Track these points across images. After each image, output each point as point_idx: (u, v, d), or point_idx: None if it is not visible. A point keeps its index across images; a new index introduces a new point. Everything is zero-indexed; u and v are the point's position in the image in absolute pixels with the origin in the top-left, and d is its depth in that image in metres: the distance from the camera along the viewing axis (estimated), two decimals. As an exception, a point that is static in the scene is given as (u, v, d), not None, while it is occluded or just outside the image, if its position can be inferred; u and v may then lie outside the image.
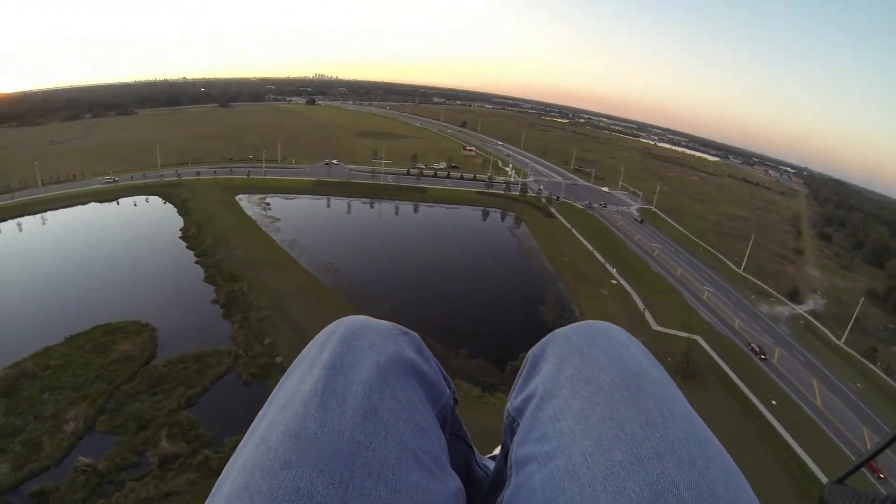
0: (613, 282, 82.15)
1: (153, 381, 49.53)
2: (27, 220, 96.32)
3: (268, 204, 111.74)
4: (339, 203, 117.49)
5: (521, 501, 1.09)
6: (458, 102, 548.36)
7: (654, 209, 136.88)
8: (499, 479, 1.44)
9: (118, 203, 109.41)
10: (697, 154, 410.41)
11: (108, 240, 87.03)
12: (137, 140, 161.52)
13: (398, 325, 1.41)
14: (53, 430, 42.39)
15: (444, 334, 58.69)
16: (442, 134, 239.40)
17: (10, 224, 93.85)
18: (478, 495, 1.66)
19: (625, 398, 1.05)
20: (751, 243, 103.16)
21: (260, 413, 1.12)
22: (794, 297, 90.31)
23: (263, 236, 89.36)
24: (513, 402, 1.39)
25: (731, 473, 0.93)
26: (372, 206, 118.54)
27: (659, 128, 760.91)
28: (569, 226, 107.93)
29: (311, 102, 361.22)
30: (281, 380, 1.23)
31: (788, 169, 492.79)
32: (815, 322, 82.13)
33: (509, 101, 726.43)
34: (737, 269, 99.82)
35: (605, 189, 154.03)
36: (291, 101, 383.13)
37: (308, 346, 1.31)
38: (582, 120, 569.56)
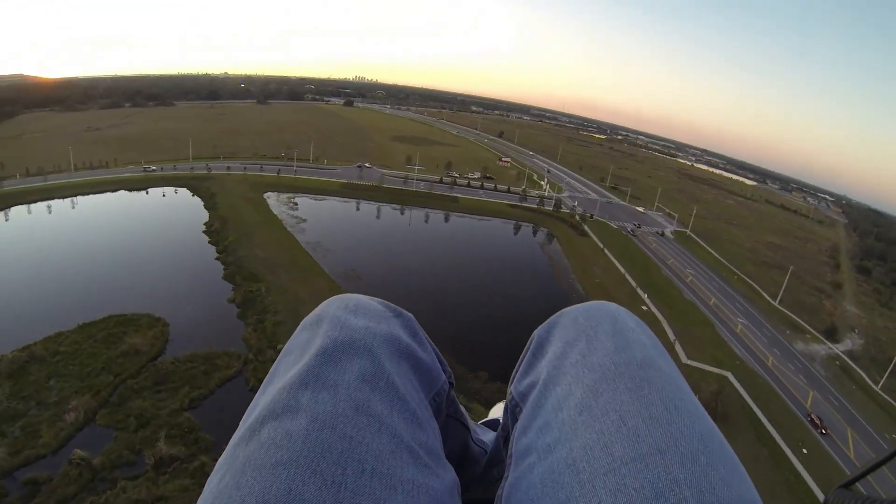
0: (644, 308, 79.04)
1: (159, 377, 48.51)
2: (57, 203, 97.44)
3: (296, 204, 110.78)
4: (368, 207, 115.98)
5: (520, 494, 1.06)
6: (497, 112, 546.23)
7: (689, 232, 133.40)
8: (496, 457, 1.43)
9: (147, 192, 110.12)
10: (735, 177, 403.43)
11: (133, 228, 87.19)
12: (173, 131, 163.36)
13: (392, 305, 1.39)
14: (54, 419, 41.70)
15: (463, 353, 56.37)
16: (478, 143, 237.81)
17: (41, 206, 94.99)
18: (474, 472, 1.66)
19: (629, 389, 1.03)
20: (788, 275, 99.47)
21: (253, 401, 1.10)
22: (831, 335, 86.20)
23: (287, 236, 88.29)
24: (517, 386, 1.36)
25: (735, 472, 0.90)
26: (402, 213, 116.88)
27: (697, 148, 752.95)
28: (601, 245, 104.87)
29: (349, 104, 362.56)
30: (273, 366, 1.20)
31: (827, 197, 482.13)
32: (852, 364, 78.11)
33: (548, 114, 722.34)
34: (772, 302, 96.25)
35: (640, 209, 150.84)
36: (329, 101, 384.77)
37: (299, 328, 1.28)
38: (620, 137, 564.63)
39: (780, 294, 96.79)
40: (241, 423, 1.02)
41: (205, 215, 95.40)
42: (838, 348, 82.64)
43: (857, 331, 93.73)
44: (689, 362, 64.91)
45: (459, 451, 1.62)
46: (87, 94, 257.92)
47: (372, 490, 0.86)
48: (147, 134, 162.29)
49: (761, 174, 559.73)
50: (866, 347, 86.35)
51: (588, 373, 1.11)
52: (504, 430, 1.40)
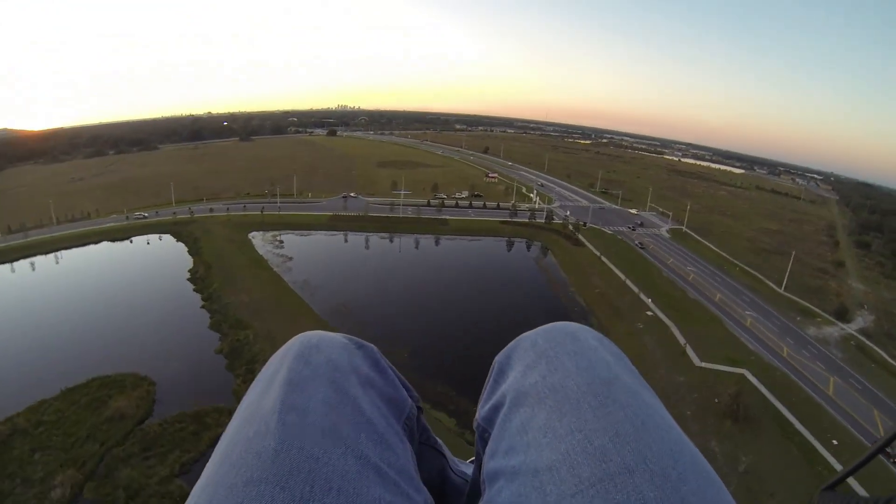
0: (649, 313, 76.87)
1: (147, 442, 46.26)
2: (40, 260, 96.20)
3: (281, 242, 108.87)
4: (356, 238, 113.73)
5: None
6: (481, 128, 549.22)
7: (685, 229, 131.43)
8: (475, 489, 1.42)
9: (131, 241, 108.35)
10: (723, 167, 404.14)
11: (115, 281, 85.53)
12: (156, 176, 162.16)
13: (354, 338, 1.41)
14: (40, 497, 39.66)
15: (464, 385, 55.09)
16: (464, 161, 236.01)
17: (24, 263, 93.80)
18: (457, 502, 1.64)
19: (593, 407, 1.02)
20: (791, 260, 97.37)
21: (224, 431, 1.11)
22: (842, 315, 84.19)
23: (274, 278, 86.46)
24: (481, 410, 1.36)
25: (709, 483, 0.89)
26: (391, 241, 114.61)
27: (682, 143, 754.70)
28: (598, 253, 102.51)
29: (332, 133, 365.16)
30: (242, 398, 1.23)
31: (815, 176, 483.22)
32: (867, 342, 76.32)
33: (531, 125, 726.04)
34: (778, 289, 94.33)
35: (633, 211, 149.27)
36: (313, 132, 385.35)
37: (266, 363, 1.31)
38: (605, 140, 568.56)
39: (785, 281, 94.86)
40: (214, 451, 1.05)
41: (189, 261, 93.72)
42: (851, 328, 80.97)
43: (866, 307, 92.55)
44: (702, 365, 62.75)
45: (438, 479, 1.62)
46: (71, 144, 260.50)
47: None
48: (131, 180, 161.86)
49: (748, 161, 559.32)
50: (878, 323, 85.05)
51: (550, 394, 1.10)
52: (478, 458, 1.38)
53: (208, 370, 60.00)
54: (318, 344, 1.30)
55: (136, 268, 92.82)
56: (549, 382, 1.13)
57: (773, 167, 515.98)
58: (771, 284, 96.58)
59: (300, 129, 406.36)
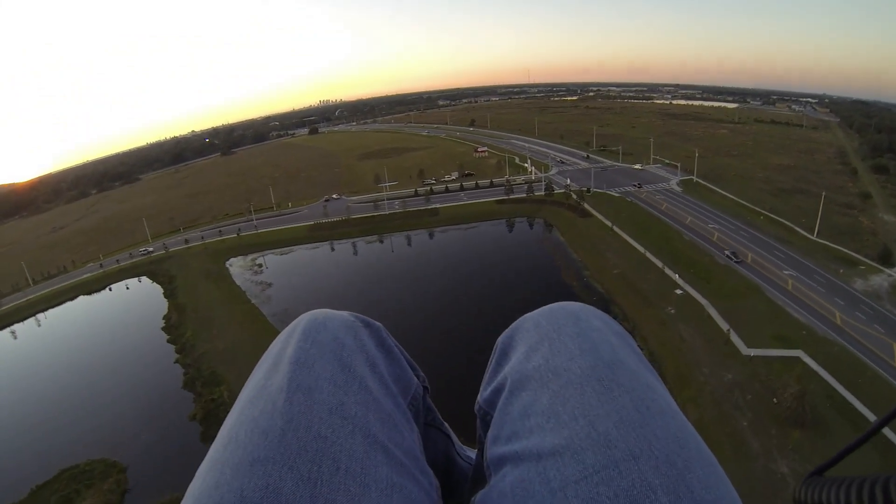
0: (678, 292, 67.11)
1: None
2: (20, 328, 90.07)
3: (260, 266, 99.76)
4: (343, 246, 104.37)
5: (492, 503, 1.05)
6: (465, 101, 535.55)
7: (696, 179, 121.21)
8: (478, 473, 1.38)
9: (110, 290, 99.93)
10: (716, 104, 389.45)
11: (88, 343, 77.97)
12: (135, 211, 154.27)
13: (360, 316, 1.41)
14: None
15: (469, 396, 45.83)
16: (451, 138, 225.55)
17: (5, 334, 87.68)
18: (461, 487, 1.63)
19: (597, 392, 1.00)
20: (821, 203, 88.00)
21: (230, 411, 1.11)
22: (886, 259, 74.92)
23: (251, 313, 77.86)
24: (483, 393, 1.36)
25: (713, 473, 0.88)
26: (381, 242, 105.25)
27: (670, 85, 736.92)
28: (609, 223, 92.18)
29: (314, 132, 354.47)
30: (249, 377, 1.24)
31: (810, 100, 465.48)
32: None
33: (515, 90, 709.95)
34: (810, 236, 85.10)
35: (637, 166, 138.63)
36: (294, 134, 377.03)
37: (272, 343, 1.31)
38: (591, 93, 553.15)
39: (817, 226, 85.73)
40: (219, 432, 1.04)
41: (164, 305, 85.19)
42: None
43: None
44: (751, 353, 53.28)
45: (444, 462, 1.63)
46: (55, 191, 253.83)
47: (346, 487, 0.87)
48: (110, 220, 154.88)
49: (740, 94, 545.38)
50: None
51: (553, 377, 1.09)
52: (479, 442, 1.37)
53: (182, 442, 51.90)
54: (324, 322, 1.29)
55: (111, 322, 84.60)
56: (552, 365, 1.11)
57: (765, 97, 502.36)
58: (802, 231, 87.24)
59: (282, 133, 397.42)
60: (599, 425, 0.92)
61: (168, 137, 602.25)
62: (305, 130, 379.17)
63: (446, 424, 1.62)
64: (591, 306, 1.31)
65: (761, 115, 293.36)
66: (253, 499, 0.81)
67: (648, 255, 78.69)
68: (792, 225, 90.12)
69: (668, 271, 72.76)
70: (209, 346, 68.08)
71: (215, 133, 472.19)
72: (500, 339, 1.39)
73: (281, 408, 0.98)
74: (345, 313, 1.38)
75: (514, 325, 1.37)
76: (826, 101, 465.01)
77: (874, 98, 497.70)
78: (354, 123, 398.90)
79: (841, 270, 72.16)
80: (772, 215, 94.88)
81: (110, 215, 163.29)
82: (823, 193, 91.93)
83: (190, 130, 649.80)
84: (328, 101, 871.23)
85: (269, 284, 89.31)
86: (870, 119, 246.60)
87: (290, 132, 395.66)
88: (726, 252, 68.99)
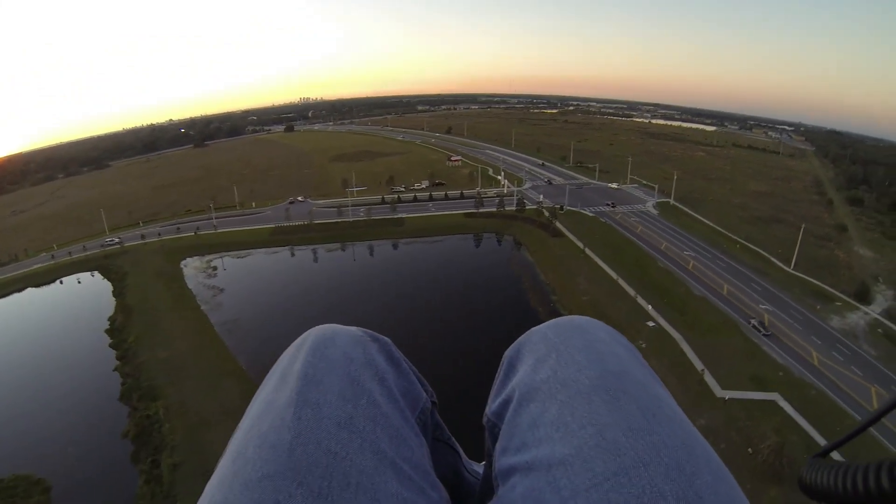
0: (651, 324, 63.36)
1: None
2: None
3: (214, 269, 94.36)
4: (303, 253, 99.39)
5: None
6: (444, 107, 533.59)
7: (672, 202, 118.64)
8: (487, 486, 1.40)
9: (62, 282, 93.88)
10: (694, 126, 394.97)
11: (29, 343, 71.97)
12: (100, 199, 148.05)
13: (368, 331, 1.41)
14: None
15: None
16: (426, 145, 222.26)
17: None
18: (469, 501, 1.65)
19: (605, 402, 1.01)
20: (800, 236, 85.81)
21: (239, 424, 1.11)
22: (862, 296, 73.99)
23: (199, 320, 72.73)
24: (491, 406, 1.36)
25: (721, 478, 0.89)
26: (343, 250, 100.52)
27: (649, 104, 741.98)
28: (581, 245, 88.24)
29: (290, 129, 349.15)
30: (256, 393, 1.22)
31: (786, 127, 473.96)
32: (895, 327, 65.94)
33: (496, 99, 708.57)
34: (787, 268, 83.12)
35: (613, 185, 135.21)
36: (270, 130, 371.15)
37: (280, 357, 1.30)
38: (571, 107, 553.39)
39: (794, 258, 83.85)
40: (227, 446, 1.04)
41: (112, 305, 79.36)
42: (874, 310, 70.80)
43: (881, 279, 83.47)
44: (726, 394, 49.83)
45: (452, 477, 1.63)
46: (22, 172, 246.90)
47: (357, 503, 0.87)
48: (73, 207, 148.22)
49: (717, 117, 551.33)
50: None
51: (561, 388, 1.10)
52: (488, 455, 1.37)
53: (109, 461, 47.63)
54: (333, 337, 1.28)
55: (56, 319, 79.10)
56: (561, 377, 1.12)
57: (743, 122, 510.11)
58: (778, 263, 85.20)
59: (258, 129, 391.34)
60: (608, 434, 0.93)
61: (145, 125, 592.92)
62: (281, 127, 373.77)
63: (454, 439, 1.62)
64: (597, 320, 1.33)
65: (739, 139, 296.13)
66: None
67: (621, 281, 75.08)
68: (768, 255, 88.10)
69: (640, 300, 69.14)
70: (151, 354, 63.30)
71: (192, 124, 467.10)
72: (507, 353, 1.40)
73: (289, 422, 0.98)
74: (353, 328, 1.38)
75: (521, 338, 1.38)
76: (802, 129, 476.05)
77: (847, 129, 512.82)
78: (331, 123, 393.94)
79: (818, 306, 70.24)
80: (748, 244, 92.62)
81: (73, 202, 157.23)
82: (803, 226, 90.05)
83: (168, 119, 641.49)
84: (308, 98, 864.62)
85: (222, 290, 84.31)
86: (844, 150, 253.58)
87: (266, 128, 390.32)
88: (752, 322, 63.91)
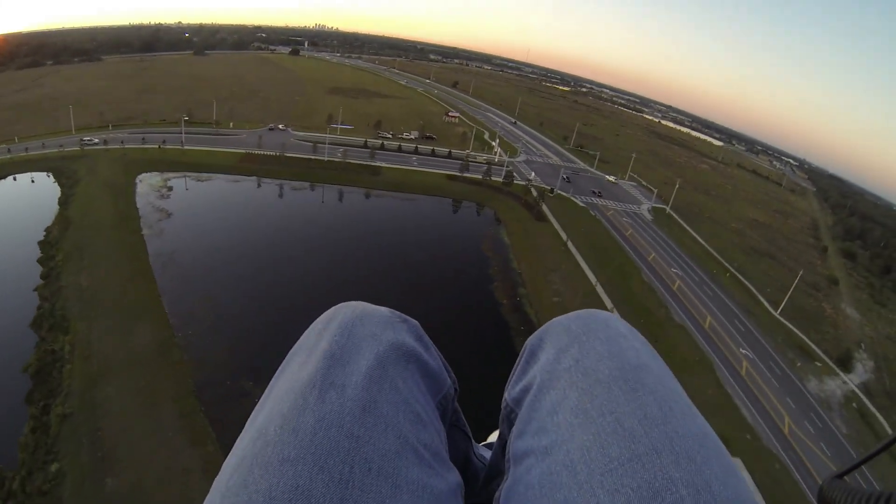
0: (622, 353, 56.85)
1: None
2: None
3: (170, 189, 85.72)
4: (270, 187, 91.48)
5: (518, 495, 1.07)
6: (457, 61, 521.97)
7: (668, 210, 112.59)
8: (494, 470, 1.44)
9: (15, 179, 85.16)
10: (702, 136, 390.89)
11: None
12: (78, 93, 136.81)
13: (397, 312, 1.40)
14: None
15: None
16: (427, 94, 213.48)
17: None
18: (474, 486, 1.67)
19: (623, 392, 1.04)
20: (796, 282, 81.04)
21: (259, 402, 1.11)
22: (844, 363, 70.26)
23: (135, 246, 65.26)
24: (510, 391, 1.38)
25: (730, 470, 0.91)
26: (312, 189, 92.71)
27: (662, 104, 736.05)
28: (564, 237, 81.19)
29: (295, 53, 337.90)
30: (279, 367, 1.21)
31: (791, 161, 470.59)
32: (869, 405, 62.66)
33: (510, 64, 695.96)
34: (773, 312, 77.71)
35: (610, 178, 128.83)
36: (275, 50, 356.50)
37: (306, 332, 1.28)
38: (584, 89, 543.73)
39: (783, 304, 78.51)
40: (247, 423, 1.03)
41: (54, 214, 71.85)
42: (852, 381, 67.13)
43: (863, 346, 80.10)
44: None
45: (462, 463, 1.64)
46: (12, 54, 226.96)
47: (378, 489, 0.87)
48: (48, 98, 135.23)
49: (726, 134, 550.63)
50: (878, 374, 72.30)
51: (582, 377, 1.12)
52: (501, 438, 1.41)
53: (6, 397, 41.33)
54: (361, 316, 1.27)
55: None
56: (582, 366, 1.14)
57: (750, 144, 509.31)
58: (765, 303, 79.91)
59: (263, 46, 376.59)
60: (625, 422, 0.95)
61: (153, 23, 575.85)
62: (287, 49, 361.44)
63: (468, 426, 1.63)
64: (617, 315, 1.34)
65: (744, 161, 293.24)
66: (281, 500, 0.79)
67: (599, 288, 68.40)
68: (757, 293, 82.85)
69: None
70: (73, 279, 56.22)
71: (199, 30, 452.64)
72: (529, 341, 1.41)
73: (313, 405, 0.97)
74: (383, 308, 1.36)
75: (543, 327, 1.39)
76: (805, 166, 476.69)
77: (848, 178, 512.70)
78: (339, 54, 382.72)
79: (798, 363, 65.70)
80: (739, 276, 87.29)
81: (48, 93, 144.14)
82: (801, 273, 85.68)
83: (178, 21, 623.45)
84: (323, 26, 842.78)
85: (170, 214, 76.26)
86: (845, 199, 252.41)
87: (271, 47, 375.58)
88: None
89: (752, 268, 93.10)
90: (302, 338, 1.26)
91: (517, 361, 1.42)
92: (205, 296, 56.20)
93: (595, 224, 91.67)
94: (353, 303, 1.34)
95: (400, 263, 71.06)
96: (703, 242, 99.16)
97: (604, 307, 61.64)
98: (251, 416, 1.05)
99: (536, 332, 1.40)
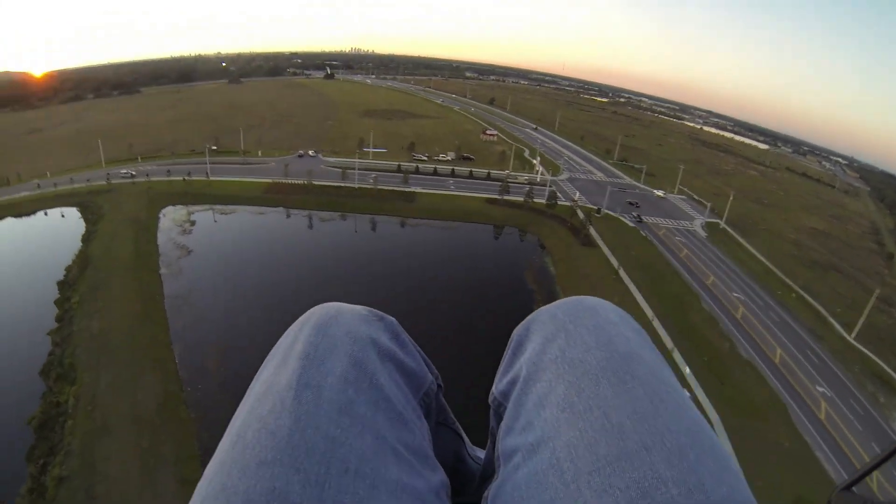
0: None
1: None
2: None
3: (192, 223, 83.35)
4: (300, 219, 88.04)
5: (506, 496, 1.05)
6: (493, 78, 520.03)
7: (723, 225, 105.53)
8: (489, 469, 1.39)
9: (46, 214, 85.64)
10: (746, 141, 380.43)
11: None
12: (111, 127, 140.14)
13: (374, 310, 1.38)
14: None
15: None
16: (464, 113, 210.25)
17: None
18: (470, 487, 1.64)
19: (612, 384, 1.00)
20: (872, 300, 72.27)
21: (239, 407, 1.09)
22: None
23: (149, 288, 62.72)
24: (498, 384, 1.35)
25: (725, 467, 0.88)
26: (344, 219, 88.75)
27: (702, 110, 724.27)
28: (616, 264, 75.13)
29: (330, 77, 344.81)
30: (257, 372, 1.20)
31: (840, 160, 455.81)
32: None
33: (547, 78, 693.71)
34: (847, 336, 69.12)
35: (659, 193, 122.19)
36: (310, 75, 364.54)
37: (283, 335, 1.26)
38: (622, 99, 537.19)
39: (858, 325, 69.70)
40: (227, 429, 1.02)
41: (76, 250, 70.38)
42: None
43: None
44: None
45: (453, 461, 1.62)
46: (55, 89, 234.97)
47: (355, 489, 0.86)
48: (86, 133, 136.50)
49: (771, 136, 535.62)
50: None
51: (569, 369, 1.09)
52: (492, 435, 1.37)
53: (9, 452, 39.91)
54: (336, 315, 1.24)
55: (19, 260, 70.87)
56: (569, 357, 1.11)
57: (796, 145, 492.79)
58: (837, 326, 71.41)
59: (298, 72, 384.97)
60: (614, 416, 0.93)
61: (192, 54, 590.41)
62: (321, 73, 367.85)
63: (458, 424, 1.60)
64: (608, 301, 1.29)
65: (793, 164, 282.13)
66: (258, 502, 0.79)
67: (656, 322, 61.92)
68: (826, 314, 74.41)
69: (677, 356, 56.03)
70: (86, 323, 54.02)
71: (237, 59, 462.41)
72: (515, 331, 1.36)
73: (289, 406, 0.96)
74: (358, 307, 1.34)
75: (530, 317, 1.34)
76: (855, 164, 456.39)
77: None
78: (373, 76, 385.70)
79: (881, 398, 57.09)
80: (805, 295, 79.12)
81: (84, 127, 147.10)
82: (877, 290, 76.18)
83: (217, 52, 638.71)
84: (359, 49, 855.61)
85: (190, 252, 73.62)
86: None
87: (306, 72, 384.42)
88: None
89: (818, 284, 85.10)
90: (279, 341, 1.23)
91: (505, 353, 1.39)
92: (219, 346, 52.78)
93: (647, 247, 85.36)
94: (328, 304, 1.31)
95: (443, 303, 65.99)
96: (763, 259, 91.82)
97: (662, 344, 56.03)
98: (231, 421, 1.03)
99: (523, 322, 1.35)
